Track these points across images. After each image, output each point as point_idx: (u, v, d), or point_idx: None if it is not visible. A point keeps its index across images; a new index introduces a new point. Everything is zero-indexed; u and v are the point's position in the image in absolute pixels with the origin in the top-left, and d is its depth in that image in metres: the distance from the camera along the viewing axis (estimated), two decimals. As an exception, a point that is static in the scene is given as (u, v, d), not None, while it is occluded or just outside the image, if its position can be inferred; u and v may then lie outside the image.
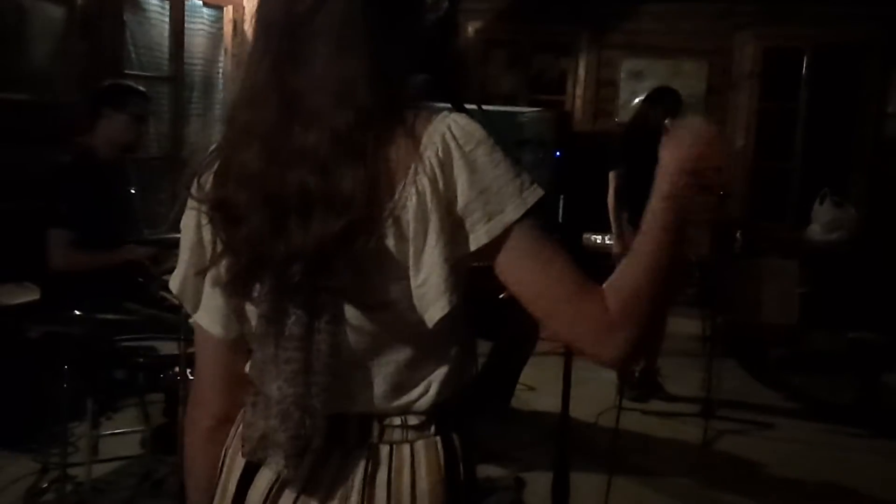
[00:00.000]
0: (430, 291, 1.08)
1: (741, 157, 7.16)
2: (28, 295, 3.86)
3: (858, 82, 6.99)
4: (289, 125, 1.10)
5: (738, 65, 7.12)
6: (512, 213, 1.09)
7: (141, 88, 3.83)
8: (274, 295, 1.13)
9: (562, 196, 6.38)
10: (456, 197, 1.08)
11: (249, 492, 1.22)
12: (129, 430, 3.90)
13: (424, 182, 1.07)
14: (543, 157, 6.50)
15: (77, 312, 3.13)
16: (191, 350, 3.23)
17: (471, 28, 7.42)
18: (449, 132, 1.09)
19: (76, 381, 3.21)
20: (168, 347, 3.31)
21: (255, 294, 1.15)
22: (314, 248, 1.07)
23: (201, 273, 1.21)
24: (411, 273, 1.09)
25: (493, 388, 4.62)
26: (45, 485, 3.37)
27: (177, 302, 3.30)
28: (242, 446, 1.20)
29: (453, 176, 1.08)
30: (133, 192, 3.90)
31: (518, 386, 4.90)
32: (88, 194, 3.52)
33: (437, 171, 1.08)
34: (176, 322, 3.20)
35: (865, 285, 6.17)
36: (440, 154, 1.08)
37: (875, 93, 6.93)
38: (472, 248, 1.09)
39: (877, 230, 6.62)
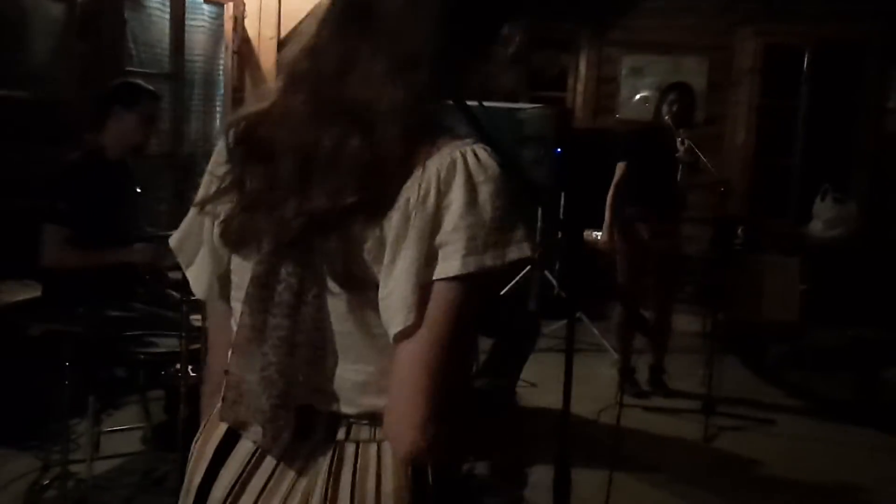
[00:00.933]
0: (392, 305, 1.07)
1: (742, 154, 7.16)
2: (29, 292, 3.86)
3: (859, 78, 6.99)
4: (342, 81, 1.11)
5: (738, 61, 7.11)
6: (490, 259, 1.06)
7: (152, 89, 3.82)
8: (270, 255, 1.13)
9: (562, 193, 6.39)
10: (442, 221, 1.06)
11: (213, 487, 1.22)
12: (131, 426, 3.90)
13: (415, 195, 1.06)
14: (544, 154, 6.50)
15: (78, 310, 3.13)
16: (192, 347, 3.25)
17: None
18: (462, 158, 1.08)
19: (77, 379, 3.21)
20: (169, 344, 3.32)
21: (247, 251, 1.17)
22: (323, 208, 1.08)
23: (200, 204, 1.23)
24: (381, 282, 1.08)
25: (494, 385, 4.62)
26: (47, 482, 3.38)
27: (178, 298, 3.31)
28: (222, 408, 1.21)
29: (448, 198, 1.06)
30: (139, 191, 3.89)
31: (519, 383, 4.90)
32: (95, 192, 3.51)
33: (433, 187, 1.06)
34: (177, 319, 3.20)
35: (866, 282, 6.17)
36: (443, 173, 1.07)
37: (876, 89, 6.92)
38: (438, 276, 1.06)
39: (878, 226, 6.62)
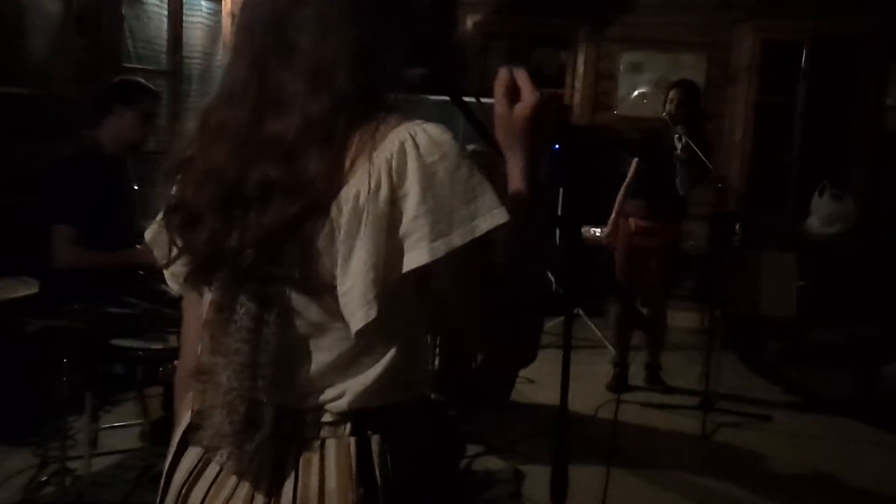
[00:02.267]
0: (351, 301, 1.05)
1: (740, 150, 7.16)
2: (27, 289, 3.86)
3: (857, 75, 6.99)
4: (261, 121, 1.09)
5: (736, 57, 7.11)
6: (458, 238, 1.03)
7: (151, 86, 3.81)
8: (226, 283, 1.12)
9: (561, 189, 6.38)
10: (402, 212, 1.04)
11: (175, 472, 1.24)
12: (128, 423, 3.90)
13: (365, 188, 1.04)
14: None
15: (76, 306, 3.12)
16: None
17: (470, 21, 7.41)
18: (411, 140, 1.04)
19: (75, 375, 3.20)
20: (167, 341, 3.32)
21: (208, 282, 1.16)
22: (268, 231, 1.06)
23: (163, 267, 1.23)
24: (338, 279, 1.06)
25: (492, 382, 4.62)
26: (45, 478, 3.38)
27: (176, 295, 3.31)
28: (192, 435, 1.21)
29: (404, 188, 1.03)
30: (136, 188, 3.88)
31: (517, 379, 4.91)
32: (92, 190, 3.50)
33: (384, 178, 1.04)
34: (175, 316, 3.20)
35: (864, 278, 6.17)
36: (393, 162, 1.04)
37: (874, 85, 6.92)
38: (408, 267, 1.04)
39: (875, 223, 6.62)
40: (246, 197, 1.08)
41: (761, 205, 7.16)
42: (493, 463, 3.99)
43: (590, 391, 4.80)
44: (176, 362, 1.37)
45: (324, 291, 1.08)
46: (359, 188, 1.04)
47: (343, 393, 1.14)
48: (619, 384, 5.25)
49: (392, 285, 1.06)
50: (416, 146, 1.04)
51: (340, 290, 1.06)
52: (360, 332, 1.07)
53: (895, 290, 5.98)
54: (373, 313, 1.04)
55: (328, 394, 1.15)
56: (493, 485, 3.79)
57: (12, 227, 3.87)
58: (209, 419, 1.15)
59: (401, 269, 1.04)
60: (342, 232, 1.05)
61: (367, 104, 1.08)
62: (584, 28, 7.32)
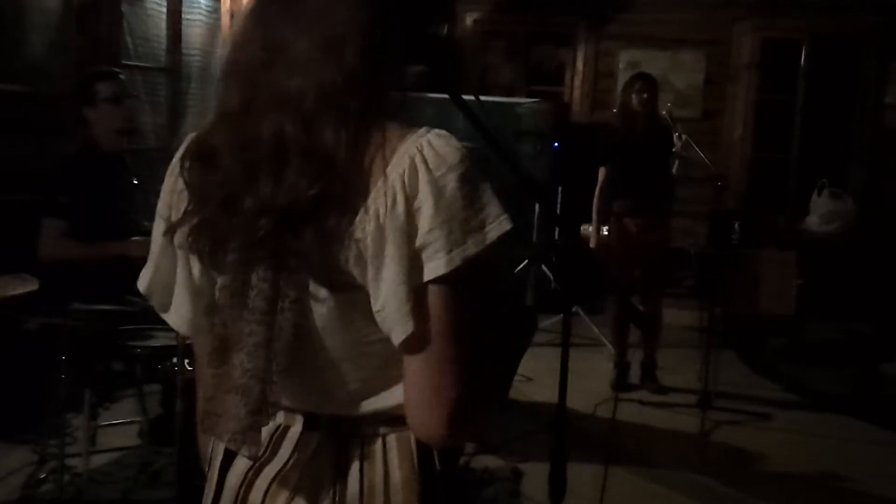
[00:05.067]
0: (389, 317, 1.06)
1: (739, 149, 7.16)
2: (26, 286, 3.86)
3: (857, 73, 6.99)
4: (269, 68, 1.10)
5: (736, 56, 7.11)
6: (472, 246, 1.06)
7: (112, 70, 3.78)
8: (239, 260, 1.11)
9: (560, 187, 6.39)
10: (417, 224, 1.06)
11: (227, 475, 1.23)
12: (127, 420, 3.90)
13: (383, 205, 1.05)
14: (541, 148, 6.50)
15: (75, 304, 3.12)
16: (188, 341, 3.25)
17: (469, 19, 7.41)
18: (420, 155, 1.06)
19: (74, 373, 3.21)
20: (166, 338, 3.32)
21: (220, 262, 1.14)
22: (285, 202, 1.06)
23: (169, 232, 1.20)
24: (371, 296, 1.07)
25: (491, 379, 4.62)
26: (43, 475, 3.38)
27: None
28: (202, 421, 1.20)
29: (417, 201, 1.05)
30: (135, 182, 3.88)
31: (516, 377, 4.90)
32: (93, 185, 3.50)
33: (399, 194, 1.05)
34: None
35: (863, 276, 6.17)
36: (406, 177, 1.05)
37: (873, 84, 6.93)
38: (428, 277, 1.06)
39: (874, 221, 6.62)
40: (257, 148, 1.09)
41: (760, 203, 7.17)
42: (491, 461, 3.99)
43: (588, 389, 4.80)
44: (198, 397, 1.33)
45: (341, 287, 1.08)
46: (377, 206, 1.06)
47: (392, 396, 1.15)
48: (621, 382, 5.25)
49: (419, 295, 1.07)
50: (425, 160, 1.06)
51: (375, 307, 1.07)
52: (403, 345, 1.08)
53: (894, 288, 5.99)
54: (410, 327, 1.06)
55: (379, 398, 1.16)
56: (492, 483, 3.79)
57: (12, 225, 3.87)
58: (222, 406, 1.15)
59: (419, 279, 1.06)
60: (370, 248, 1.06)
61: (377, 95, 1.10)
62: (584, 26, 7.32)
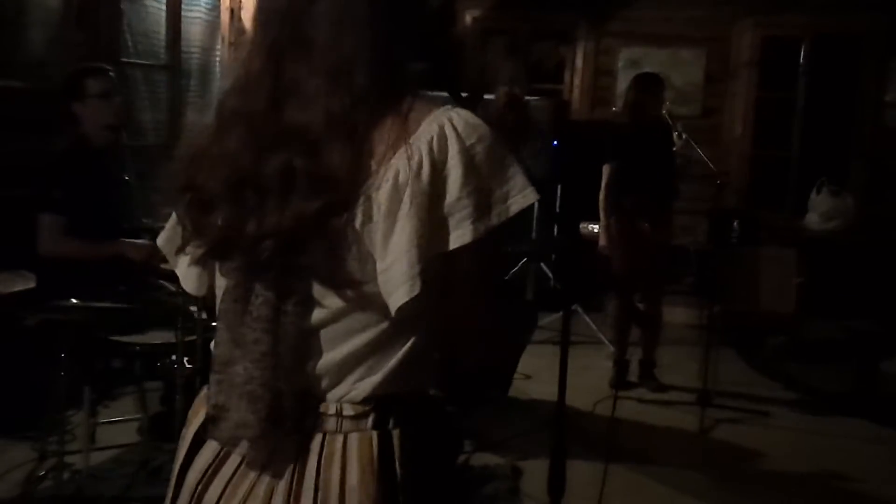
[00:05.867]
0: (393, 277, 1.07)
1: (739, 146, 7.16)
2: (24, 283, 3.86)
3: (857, 71, 6.99)
4: (279, 111, 1.11)
5: (736, 53, 7.11)
6: (496, 217, 1.09)
7: (101, 66, 3.78)
8: (242, 272, 1.13)
9: (559, 185, 6.38)
10: (445, 191, 1.07)
11: (188, 471, 1.23)
12: (127, 417, 3.90)
13: (406, 167, 1.06)
14: (541, 145, 6.50)
15: (74, 300, 3.12)
16: (188, 338, 3.25)
17: (469, 16, 7.40)
18: (450, 124, 1.08)
19: (73, 370, 3.21)
20: (165, 335, 3.32)
21: (224, 269, 1.17)
22: (290, 225, 1.07)
23: (179, 251, 1.24)
24: (377, 256, 1.08)
25: (490, 377, 4.62)
26: (43, 472, 3.37)
27: (174, 290, 3.30)
28: (209, 429, 1.20)
29: (446, 168, 1.07)
30: (127, 179, 3.88)
31: (515, 374, 4.91)
32: (86, 181, 3.51)
33: (426, 158, 1.06)
34: (173, 310, 3.20)
35: (863, 274, 6.18)
36: (434, 144, 1.07)
37: (873, 81, 6.93)
38: (453, 245, 1.08)
39: (874, 219, 6.62)
40: (262, 185, 1.10)
41: (760, 201, 7.17)
42: (490, 459, 3.99)
43: (587, 387, 4.81)
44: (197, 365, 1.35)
45: (347, 286, 1.10)
46: (397, 169, 1.06)
47: (362, 380, 1.15)
48: (620, 381, 5.25)
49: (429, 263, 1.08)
50: (455, 129, 1.08)
51: (380, 266, 1.08)
52: (399, 311, 1.08)
53: (894, 285, 5.99)
54: (416, 288, 1.06)
55: (348, 382, 1.15)
56: (491, 480, 3.79)
57: (9, 222, 3.87)
58: (228, 411, 1.15)
59: (443, 247, 1.07)
60: (382, 210, 1.07)
61: (386, 101, 1.11)
62: (584, 23, 7.32)
